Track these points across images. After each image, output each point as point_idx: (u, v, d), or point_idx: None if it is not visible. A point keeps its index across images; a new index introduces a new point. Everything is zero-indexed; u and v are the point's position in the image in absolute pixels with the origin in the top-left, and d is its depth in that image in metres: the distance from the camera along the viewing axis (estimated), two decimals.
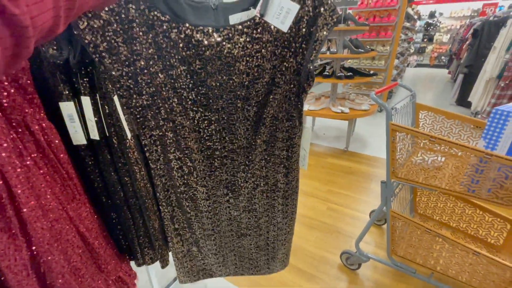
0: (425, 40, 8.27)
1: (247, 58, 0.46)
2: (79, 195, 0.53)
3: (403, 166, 1.03)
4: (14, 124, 0.41)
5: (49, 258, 0.47)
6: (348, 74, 2.43)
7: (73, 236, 0.51)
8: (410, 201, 1.38)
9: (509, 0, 3.00)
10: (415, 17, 5.36)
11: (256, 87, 0.49)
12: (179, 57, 0.44)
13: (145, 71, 0.45)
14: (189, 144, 0.53)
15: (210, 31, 0.43)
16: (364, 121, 3.25)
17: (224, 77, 0.47)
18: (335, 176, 2.13)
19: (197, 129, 0.52)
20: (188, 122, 0.51)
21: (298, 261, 1.35)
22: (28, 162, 0.43)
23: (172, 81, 0.47)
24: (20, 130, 0.42)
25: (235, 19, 0.48)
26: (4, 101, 0.40)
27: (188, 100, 0.49)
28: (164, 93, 0.47)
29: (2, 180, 0.41)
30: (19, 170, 0.41)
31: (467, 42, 3.62)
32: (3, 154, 0.38)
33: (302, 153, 0.63)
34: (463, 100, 3.52)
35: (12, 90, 0.41)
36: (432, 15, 8.03)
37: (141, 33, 0.42)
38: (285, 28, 0.45)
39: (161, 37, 0.43)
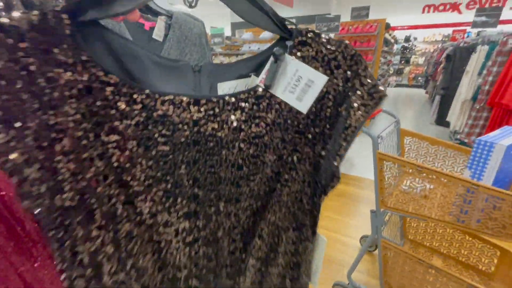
0: (403, 62, 8.77)
1: (241, 145, 0.32)
2: (38, 253, 0.46)
3: (392, 195, 1.02)
4: None
5: None
6: None
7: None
8: (400, 227, 1.36)
9: (476, 28, 3.26)
10: (392, 41, 5.70)
11: (252, 185, 0.34)
12: (131, 137, 0.29)
13: (71, 156, 0.27)
14: (140, 262, 0.33)
15: (185, 102, 0.30)
16: None
17: (202, 170, 0.32)
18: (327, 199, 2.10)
19: (154, 240, 0.33)
20: (140, 232, 0.32)
21: None
22: None
23: (118, 171, 0.29)
24: None
25: (226, 88, 0.36)
26: None
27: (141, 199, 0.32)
28: (101, 188, 0.29)
29: None
30: None
31: (441, 66, 3.85)
32: None
33: (312, 267, 0.46)
34: (442, 119, 3.67)
35: None
36: (407, 39, 8.60)
37: (69, 100, 0.26)
38: (304, 107, 0.32)
39: (101, 106, 0.28)
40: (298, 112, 0.33)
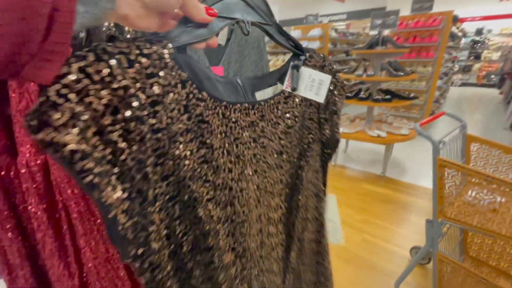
0: (471, 58, 7.72)
1: (281, 136, 0.42)
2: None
3: (453, 205, 0.94)
4: None
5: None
6: (386, 97, 2.34)
7: (116, 270, 0.54)
8: (460, 242, 1.24)
9: None
10: (460, 34, 5.07)
11: (287, 166, 0.44)
12: (215, 142, 0.34)
13: (175, 160, 0.31)
14: (218, 238, 0.37)
15: (246, 108, 0.37)
16: (403, 145, 3.07)
17: (259, 161, 0.40)
18: (370, 204, 2.01)
19: (228, 220, 0.39)
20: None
21: None
22: (86, 197, 0.46)
23: (210, 174, 0.34)
24: None
25: (261, 95, 0.44)
26: None
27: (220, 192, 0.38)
28: (196, 187, 0.33)
29: (65, 212, 0.45)
30: (80, 205, 0.45)
31: None
32: (69, 191, 0.42)
33: (330, 226, 0.58)
34: None
35: None
36: (479, 32, 7.54)
37: (174, 112, 0.29)
38: (321, 99, 0.45)
39: (195, 118, 0.32)
40: (312, 105, 0.46)
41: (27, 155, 0.40)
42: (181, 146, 0.30)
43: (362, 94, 2.44)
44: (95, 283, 0.48)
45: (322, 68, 0.45)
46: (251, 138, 0.39)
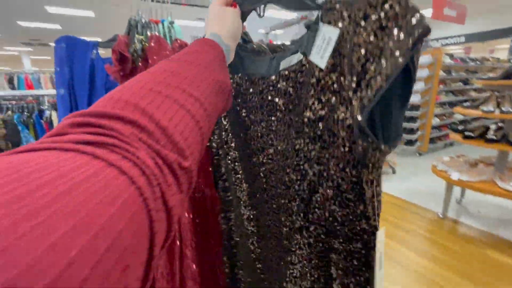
0: None
1: (290, 107, 0.40)
2: (214, 239, 0.60)
3: None
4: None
5: None
6: None
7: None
8: None
9: None
10: None
11: (296, 142, 0.38)
12: (239, 106, 0.47)
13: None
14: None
15: (256, 79, 0.44)
16: None
17: (265, 128, 0.44)
18: (498, 280, 1.50)
19: (238, 187, 0.52)
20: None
21: None
22: (191, 216, 0.54)
23: (235, 128, 0.49)
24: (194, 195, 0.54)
25: (285, 63, 0.42)
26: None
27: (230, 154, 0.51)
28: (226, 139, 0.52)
29: (178, 225, 0.53)
30: (186, 221, 0.52)
31: None
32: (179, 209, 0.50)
33: (378, 258, 0.35)
34: None
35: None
36: None
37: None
38: (323, 63, 0.33)
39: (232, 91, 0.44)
40: (332, 71, 0.33)
41: None
42: None
43: (491, 135, 1.94)
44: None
45: (351, 19, 0.31)
46: (258, 104, 0.44)
